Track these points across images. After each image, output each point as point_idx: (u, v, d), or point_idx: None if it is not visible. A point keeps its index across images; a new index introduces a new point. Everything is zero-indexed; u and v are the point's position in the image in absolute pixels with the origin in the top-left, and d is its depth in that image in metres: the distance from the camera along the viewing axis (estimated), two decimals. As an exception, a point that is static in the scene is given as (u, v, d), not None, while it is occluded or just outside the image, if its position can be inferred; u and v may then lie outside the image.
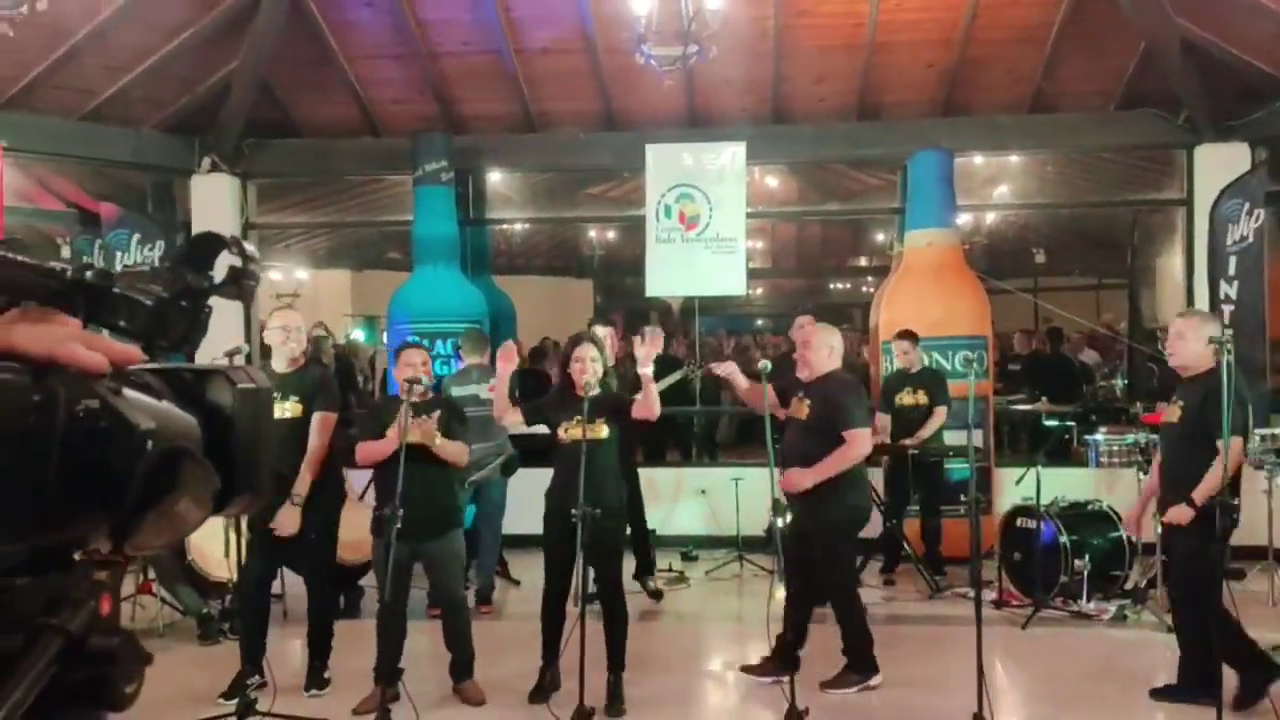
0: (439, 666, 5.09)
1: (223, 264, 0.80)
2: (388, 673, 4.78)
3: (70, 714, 0.66)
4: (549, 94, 8.96)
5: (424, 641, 5.37)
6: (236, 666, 4.86)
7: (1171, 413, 4.76)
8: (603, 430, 4.81)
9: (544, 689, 4.89)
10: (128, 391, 0.67)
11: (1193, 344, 4.58)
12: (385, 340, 10.46)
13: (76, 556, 0.69)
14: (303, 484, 4.88)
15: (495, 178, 9.91)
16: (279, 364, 5.05)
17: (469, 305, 8.68)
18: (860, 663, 4.98)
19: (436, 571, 4.97)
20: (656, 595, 6.90)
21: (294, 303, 13.75)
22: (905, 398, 7.15)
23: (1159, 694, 4.75)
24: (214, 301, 0.79)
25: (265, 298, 10.70)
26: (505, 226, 12.74)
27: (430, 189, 8.71)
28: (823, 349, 5.09)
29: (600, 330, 6.98)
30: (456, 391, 6.56)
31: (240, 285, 0.79)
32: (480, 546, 6.70)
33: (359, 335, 14.89)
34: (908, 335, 7.30)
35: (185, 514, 0.67)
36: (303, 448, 4.92)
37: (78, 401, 0.64)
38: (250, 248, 0.80)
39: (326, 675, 5.13)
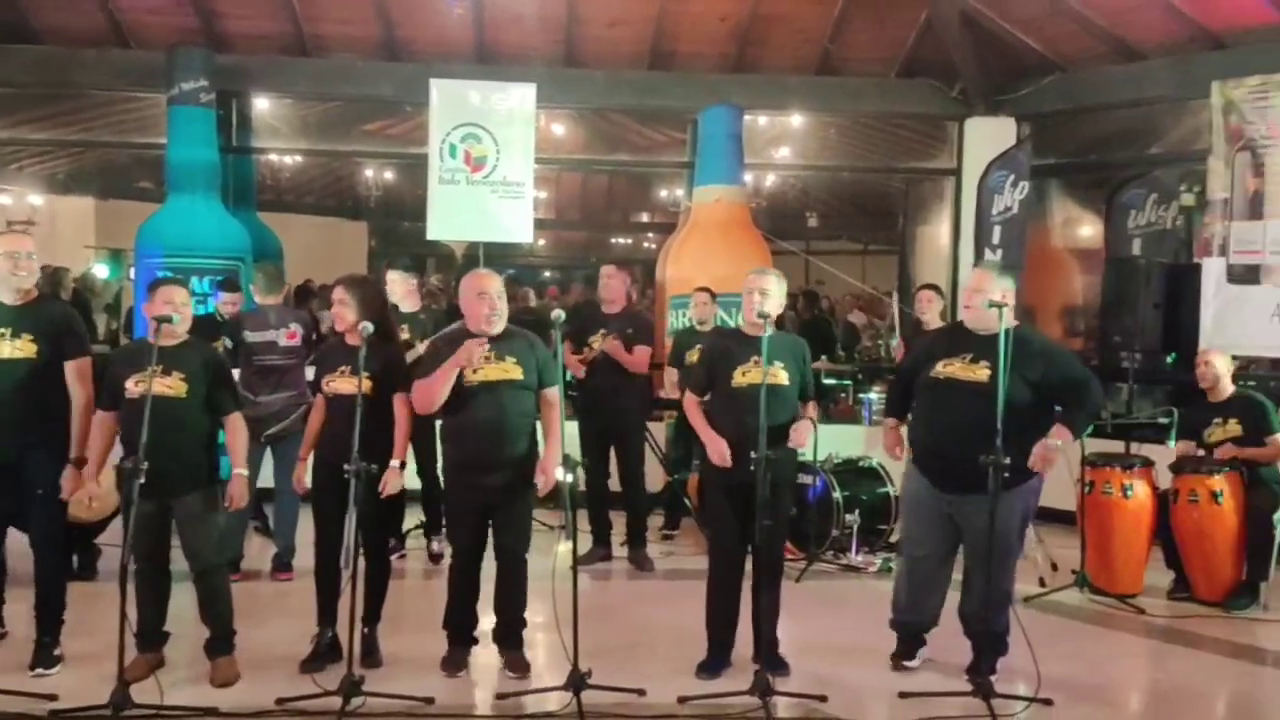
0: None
1: None
2: (149, 637, 4.45)
3: None
4: (324, 14, 8.36)
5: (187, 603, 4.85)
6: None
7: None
8: (369, 384, 4.44)
9: (320, 656, 4.55)
10: None
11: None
12: (132, 276, 9.57)
13: None
14: (78, 446, 4.43)
15: (262, 104, 9.19)
16: (6, 296, 4.42)
17: (230, 240, 8.02)
18: None
19: (184, 532, 4.47)
20: (438, 558, 6.62)
21: (28, 230, 12.44)
22: (695, 355, 7.08)
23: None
24: None
25: (-8, 224, 9.56)
26: (273, 159, 11.91)
27: (187, 110, 7.99)
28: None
29: (394, 275, 6.59)
30: (253, 337, 5.98)
31: None
32: (279, 506, 6.07)
33: (102, 270, 13.64)
34: (707, 290, 7.27)
35: None
36: (37, 394, 4.39)
37: None
38: None
39: (57, 653, 4.53)
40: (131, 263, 9.81)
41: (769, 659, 4.48)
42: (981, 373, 4.36)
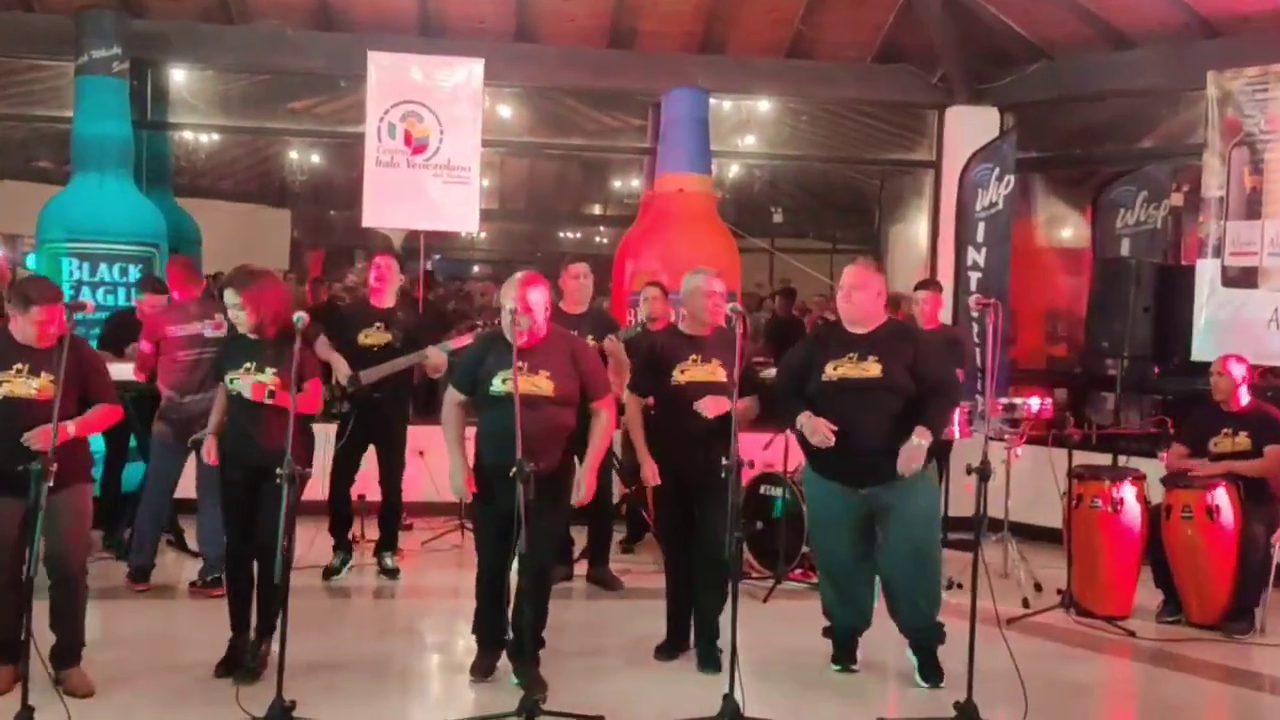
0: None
1: None
2: (9, 649, 4.34)
3: None
4: (251, -23, 8.28)
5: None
6: None
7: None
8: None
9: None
10: None
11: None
12: (30, 263, 9.40)
13: None
14: None
15: (180, 76, 9.05)
16: None
17: (144, 224, 7.91)
18: None
19: (47, 533, 4.28)
20: (393, 573, 6.61)
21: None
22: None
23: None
24: None
25: None
26: (189, 138, 11.72)
27: (97, 80, 7.86)
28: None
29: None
30: (176, 332, 5.92)
31: None
32: (204, 518, 5.99)
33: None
34: (658, 284, 7.28)
35: None
36: None
37: None
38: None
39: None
40: (28, 248, 9.64)
41: (704, 652, 4.98)
42: (873, 368, 4.69)
